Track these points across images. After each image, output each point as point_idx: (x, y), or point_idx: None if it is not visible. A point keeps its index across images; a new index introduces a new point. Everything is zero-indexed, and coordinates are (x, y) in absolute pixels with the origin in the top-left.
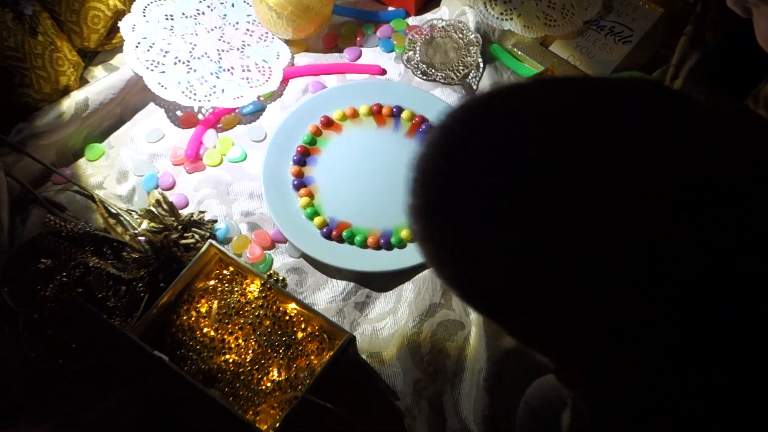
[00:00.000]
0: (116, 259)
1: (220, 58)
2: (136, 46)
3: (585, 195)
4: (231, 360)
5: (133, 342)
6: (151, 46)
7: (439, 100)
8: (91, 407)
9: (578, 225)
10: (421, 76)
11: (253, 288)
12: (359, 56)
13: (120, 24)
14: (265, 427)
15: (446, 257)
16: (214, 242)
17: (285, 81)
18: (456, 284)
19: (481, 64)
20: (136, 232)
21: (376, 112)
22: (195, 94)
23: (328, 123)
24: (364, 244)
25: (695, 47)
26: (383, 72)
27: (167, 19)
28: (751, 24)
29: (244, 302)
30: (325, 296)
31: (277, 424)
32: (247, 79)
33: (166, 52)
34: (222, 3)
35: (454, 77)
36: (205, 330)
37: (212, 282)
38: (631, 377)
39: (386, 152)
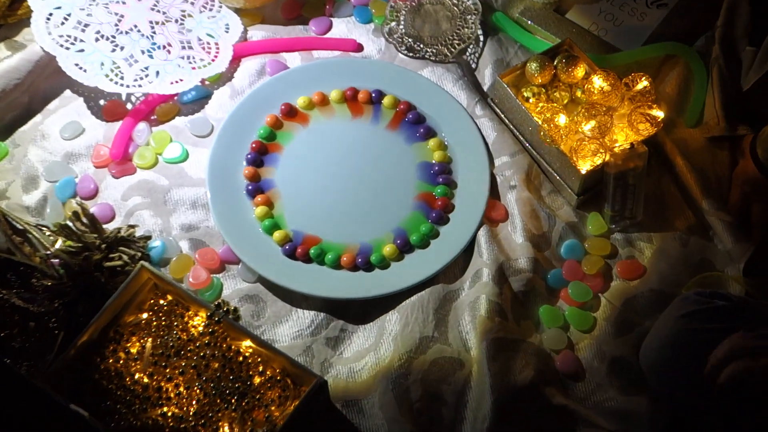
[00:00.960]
0: (23, 287)
1: (154, 33)
2: (48, 19)
3: None
4: (170, 413)
5: (45, 393)
6: (66, 18)
7: (429, 82)
8: None
9: None
10: (406, 52)
11: (198, 322)
12: (329, 28)
13: None
14: None
15: None
16: (147, 264)
17: (236, 60)
18: None
19: (482, 37)
20: (49, 253)
21: (351, 99)
22: (122, 78)
23: (291, 112)
24: (336, 265)
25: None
26: (359, 48)
27: None
28: None
29: (186, 340)
30: (289, 330)
31: None
32: (189, 58)
33: (86, 26)
34: None
35: (448, 54)
36: (138, 376)
37: (145, 315)
38: None
39: (363, 149)
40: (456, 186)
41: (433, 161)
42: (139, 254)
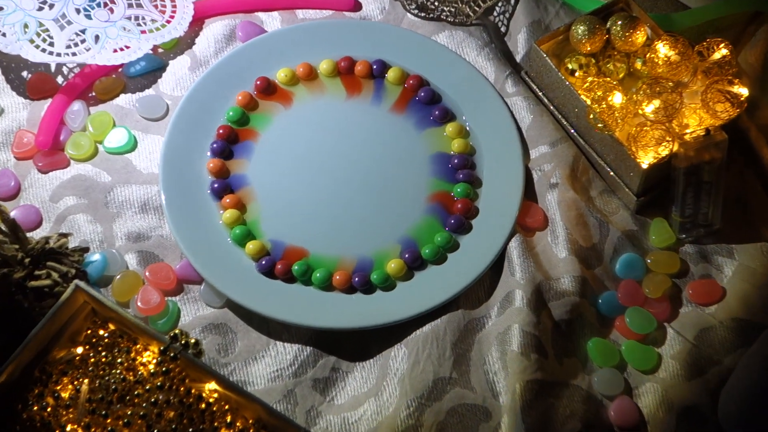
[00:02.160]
0: None
1: None
2: None
3: None
4: None
5: None
6: None
7: (446, 50)
8: None
9: None
10: (416, 11)
11: (148, 358)
12: None
13: None
14: None
15: None
16: (83, 284)
17: (198, 21)
18: None
19: None
20: None
21: (346, 72)
22: (51, 45)
23: (269, 89)
24: (327, 285)
25: None
26: (356, 6)
27: None
28: None
29: (132, 381)
30: (266, 370)
31: None
32: (137, 18)
33: None
34: None
35: (470, 13)
36: (70, 428)
37: (81, 349)
38: None
39: (362, 136)
40: (480, 184)
41: (452, 152)
42: (73, 271)
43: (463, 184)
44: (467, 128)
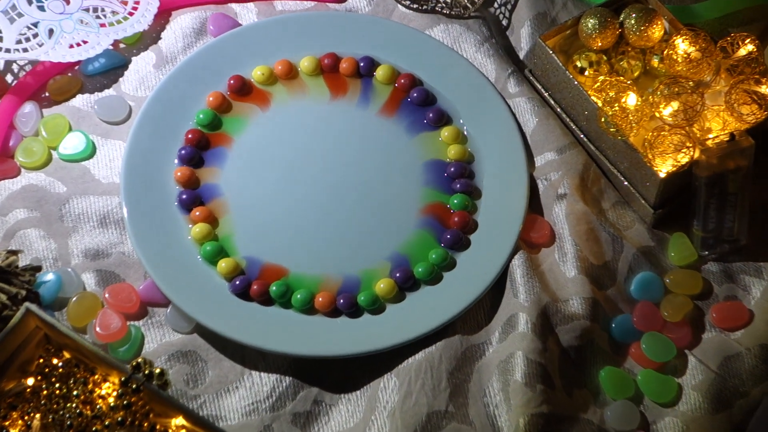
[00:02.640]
0: None
1: None
2: None
3: None
4: None
5: None
6: None
7: (442, 46)
8: None
9: None
10: (409, 3)
11: (108, 390)
12: None
13: None
14: None
15: None
16: (34, 308)
17: (164, 13)
18: None
19: None
20: None
21: (330, 70)
22: (0, 40)
23: (244, 90)
24: (309, 308)
25: None
26: None
27: None
28: None
29: (90, 417)
30: (240, 403)
31: None
32: (96, 10)
33: None
34: None
35: (468, 4)
36: None
37: (32, 380)
38: None
39: (347, 142)
40: (480, 195)
41: (448, 159)
42: (24, 292)
43: (461, 195)
44: (465, 133)
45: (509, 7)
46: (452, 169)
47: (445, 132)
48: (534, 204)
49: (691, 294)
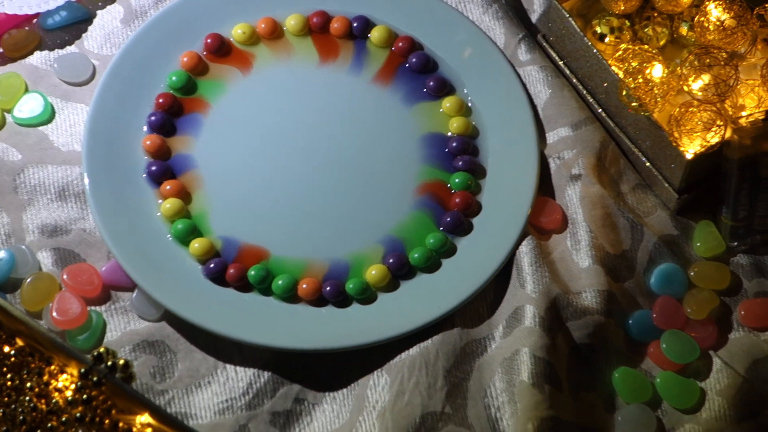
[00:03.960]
0: None
1: None
2: None
3: None
4: None
5: None
6: None
7: (445, 6)
8: None
9: None
10: None
11: (65, 383)
12: None
13: None
14: None
15: None
16: None
17: None
18: None
19: None
20: None
21: (319, 30)
22: None
23: (222, 50)
24: (291, 295)
25: None
26: None
27: None
28: None
29: (45, 412)
30: (213, 400)
31: None
32: None
33: None
34: None
35: None
36: None
37: None
38: None
39: (337, 111)
40: (484, 174)
41: (449, 133)
42: None
43: (463, 173)
44: (469, 104)
45: None
46: (454, 145)
47: (447, 103)
48: (545, 185)
49: (718, 289)
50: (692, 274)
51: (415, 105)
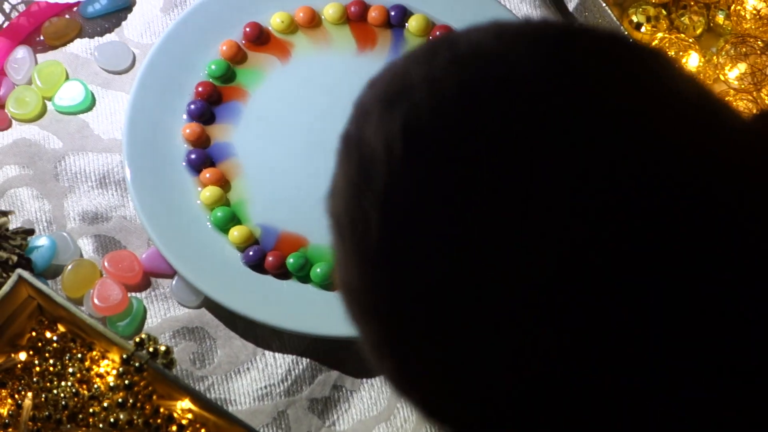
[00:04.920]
0: None
1: None
2: None
3: None
4: None
5: None
6: None
7: None
8: None
9: None
10: None
11: (107, 368)
12: None
13: None
14: None
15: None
16: (27, 275)
17: None
18: None
19: None
20: None
21: (357, 19)
22: None
23: (261, 39)
24: (329, 283)
25: None
26: None
27: None
28: None
29: (87, 397)
30: (252, 386)
31: None
32: None
33: None
34: None
35: None
36: None
37: (23, 355)
38: None
39: None
40: None
41: None
42: (15, 258)
43: None
44: None
45: None
46: None
47: None
48: None
49: None
50: None
51: None
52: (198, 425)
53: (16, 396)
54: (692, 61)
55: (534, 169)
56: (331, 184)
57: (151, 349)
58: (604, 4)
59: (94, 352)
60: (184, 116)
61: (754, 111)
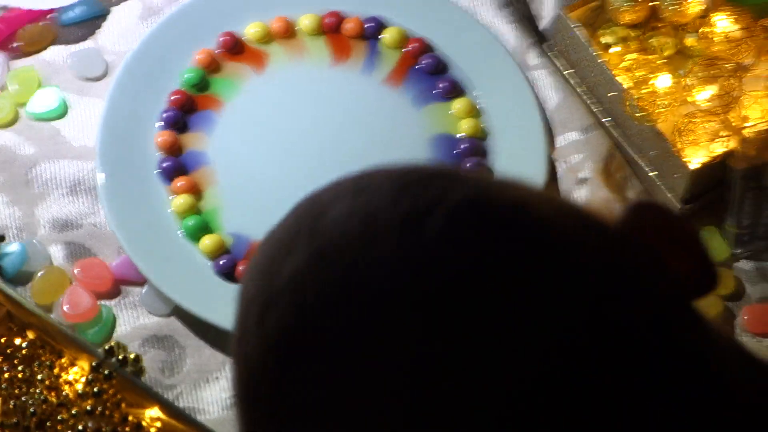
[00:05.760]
0: None
1: None
2: None
3: None
4: None
5: None
6: None
7: (457, 9)
8: None
9: None
10: None
11: (76, 375)
12: None
13: None
14: None
15: None
16: None
17: None
18: None
19: None
20: None
21: (332, 30)
22: None
23: (236, 48)
24: None
25: None
26: None
27: None
28: None
29: (55, 404)
30: (221, 395)
31: None
32: None
33: None
34: None
35: None
36: None
37: None
38: None
39: (349, 111)
40: (493, 175)
41: (459, 135)
42: None
43: None
44: (479, 106)
45: None
46: (463, 146)
47: (457, 104)
48: (552, 189)
49: (722, 294)
50: None
51: (425, 106)
52: None
53: None
54: (662, 82)
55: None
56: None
57: (120, 357)
58: (574, 25)
59: (64, 360)
60: (158, 124)
61: (723, 133)
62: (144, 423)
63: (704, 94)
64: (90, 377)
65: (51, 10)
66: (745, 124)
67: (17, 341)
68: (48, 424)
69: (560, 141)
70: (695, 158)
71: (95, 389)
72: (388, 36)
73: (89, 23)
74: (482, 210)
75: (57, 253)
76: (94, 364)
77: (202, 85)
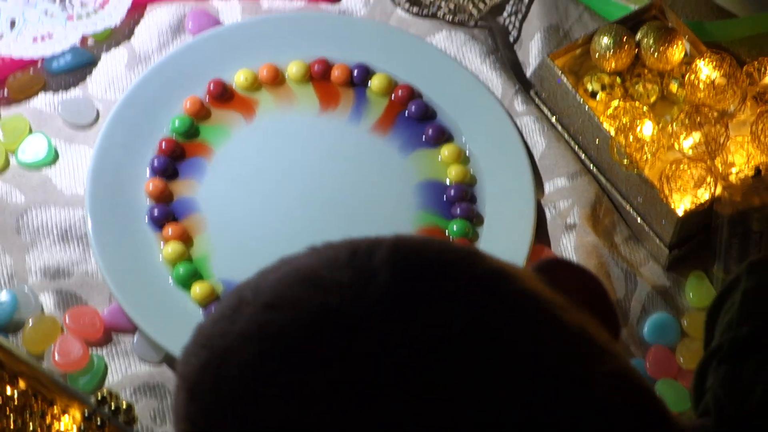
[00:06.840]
0: None
1: None
2: None
3: None
4: None
5: None
6: None
7: (443, 56)
8: None
9: None
10: (408, 6)
11: (68, 425)
12: None
13: None
14: None
15: None
16: None
17: (139, 7)
18: None
19: None
20: None
21: (320, 78)
22: None
23: (225, 96)
24: None
25: None
26: None
27: None
28: None
29: None
30: None
31: None
32: (63, 1)
33: None
34: None
35: (473, 12)
36: None
37: None
38: None
39: (337, 159)
40: (482, 222)
41: (447, 181)
42: None
43: (461, 220)
44: (467, 152)
45: (520, 16)
46: (452, 192)
47: (445, 151)
48: (540, 234)
49: None
50: (685, 323)
51: (413, 152)
52: None
53: None
54: (647, 129)
55: None
56: None
57: (112, 406)
58: (559, 71)
59: (55, 409)
60: (147, 172)
61: (708, 179)
62: None
63: (690, 141)
64: (82, 426)
65: (40, 59)
66: (731, 170)
67: (8, 390)
68: None
69: (548, 186)
70: (682, 204)
71: None
72: (375, 83)
73: (78, 71)
74: None
75: (48, 301)
76: (86, 413)
77: (191, 132)
